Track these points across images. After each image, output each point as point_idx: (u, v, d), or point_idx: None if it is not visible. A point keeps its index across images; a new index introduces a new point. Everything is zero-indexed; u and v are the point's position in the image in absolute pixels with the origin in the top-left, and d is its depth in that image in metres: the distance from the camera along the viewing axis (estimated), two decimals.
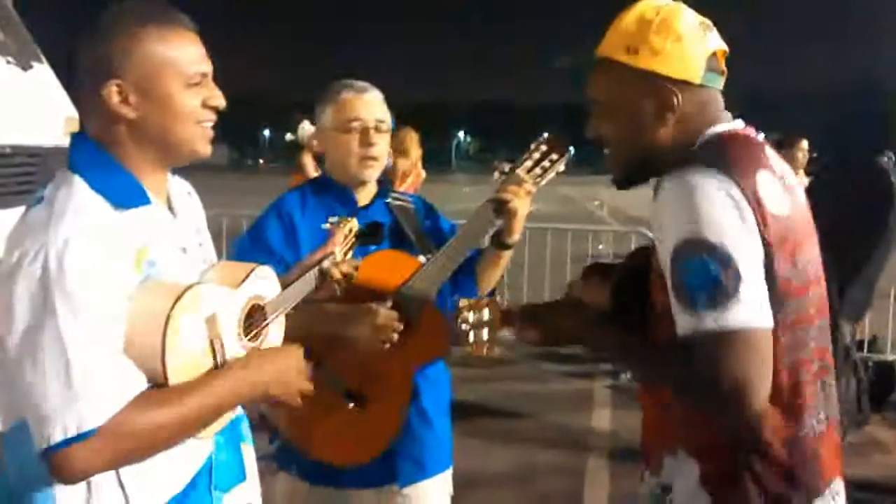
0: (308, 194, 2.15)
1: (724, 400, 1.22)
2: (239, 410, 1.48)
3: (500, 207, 2.01)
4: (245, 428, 1.52)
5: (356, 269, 1.77)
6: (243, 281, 1.40)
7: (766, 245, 1.25)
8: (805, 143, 5.45)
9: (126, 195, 1.29)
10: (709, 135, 1.39)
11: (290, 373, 1.41)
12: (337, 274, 1.70)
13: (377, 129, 2.08)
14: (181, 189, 1.49)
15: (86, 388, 1.14)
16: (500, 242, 2.09)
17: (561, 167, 2.05)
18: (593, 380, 5.84)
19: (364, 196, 2.15)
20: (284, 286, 1.54)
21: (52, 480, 1.21)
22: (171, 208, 1.43)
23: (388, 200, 2.19)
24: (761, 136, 1.45)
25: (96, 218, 1.23)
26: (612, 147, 1.48)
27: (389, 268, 1.93)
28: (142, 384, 1.20)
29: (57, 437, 1.13)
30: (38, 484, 1.24)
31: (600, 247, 7.71)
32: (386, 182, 2.25)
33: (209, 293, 1.31)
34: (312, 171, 7.60)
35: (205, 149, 1.37)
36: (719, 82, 1.43)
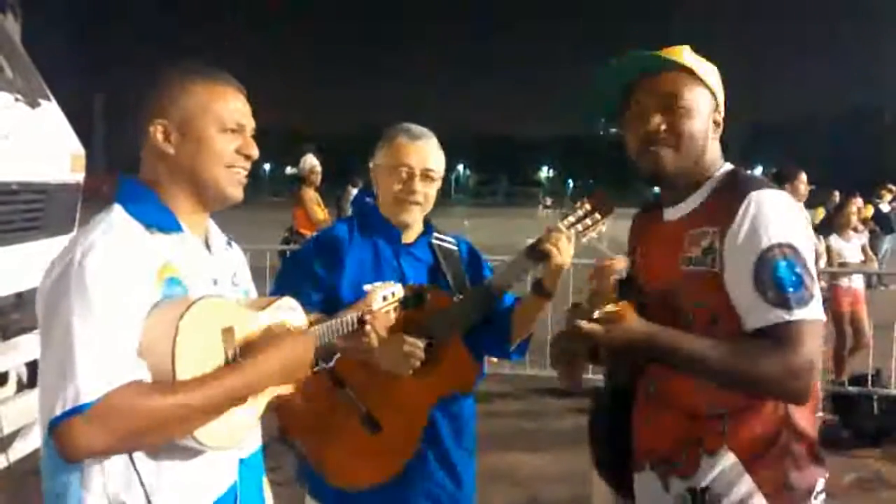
0: (356, 227, 2.17)
1: (798, 379, 1.44)
2: (258, 443, 1.54)
3: (540, 257, 2.04)
4: (263, 462, 1.58)
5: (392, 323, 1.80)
6: (266, 307, 1.48)
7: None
8: (804, 176, 5.53)
9: (158, 220, 1.41)
10: (728, 167, 1.66)
11: (296, 362, 1.45)
12: (376, 325, 1.72)
13: (423, 177, 2.10)
14: (221, 239, 1.59)
15: (85, 368, 1.21)
16: (540, 290, 2.12)
17: (603, 227, 2.11)
18: None
19: (410, 234, 2.17)
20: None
21: (79, 490, 1.27)
22: (207, 246, 1.52)
23: (432, 241, 2.21)
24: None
25: (124, 232, 1.36)
26: (679, 147, 1.61)
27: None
28: (145, 376, 1.26)
29: (57, 410, 1.20)
30: (68, 492, 1.29)
31: None
32: (432, 223, 2.25)
33: (227, 308, 1.38)
34: (314, 203, 7.64)
35: (235, 192, 1.49)
36: None
